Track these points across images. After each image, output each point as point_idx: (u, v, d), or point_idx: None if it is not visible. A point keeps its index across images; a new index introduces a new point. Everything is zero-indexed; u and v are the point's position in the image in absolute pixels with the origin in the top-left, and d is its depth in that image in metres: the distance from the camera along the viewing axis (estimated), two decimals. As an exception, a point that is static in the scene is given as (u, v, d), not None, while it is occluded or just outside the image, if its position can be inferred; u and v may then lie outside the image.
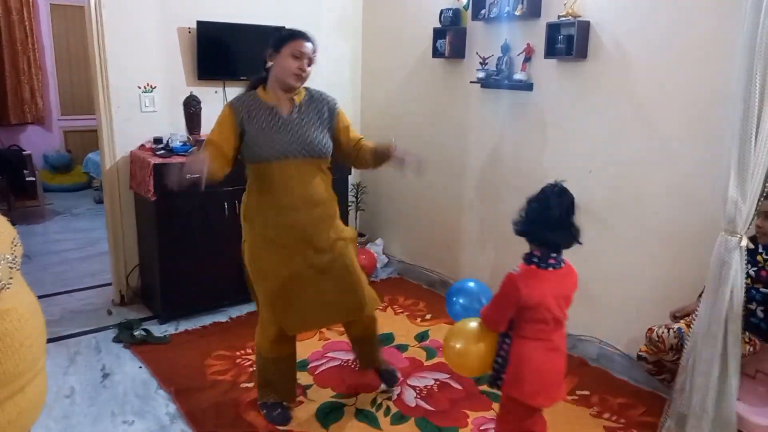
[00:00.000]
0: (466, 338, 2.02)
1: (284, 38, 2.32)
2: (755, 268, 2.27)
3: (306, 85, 2.43)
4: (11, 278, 0.97)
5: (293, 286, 2.35)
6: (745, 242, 2.04)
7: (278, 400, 2.56)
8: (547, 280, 1.86)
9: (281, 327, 2.41)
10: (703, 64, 2.54)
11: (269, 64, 2.34)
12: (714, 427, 2.15)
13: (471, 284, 2.40)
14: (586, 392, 2.82)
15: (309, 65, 2.33)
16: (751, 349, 2.27)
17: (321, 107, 2.44)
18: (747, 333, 2.25)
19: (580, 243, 1.86)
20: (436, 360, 3.09)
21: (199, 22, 3.58)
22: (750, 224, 2.05)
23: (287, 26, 3.83)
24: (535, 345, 1.88)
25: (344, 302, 2.46)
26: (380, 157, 2.48)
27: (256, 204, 2.38)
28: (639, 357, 2.55)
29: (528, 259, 1.89)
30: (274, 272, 2.35)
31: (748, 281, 2.21)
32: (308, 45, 2.32)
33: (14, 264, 0.98)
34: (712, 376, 2.12)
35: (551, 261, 1.86)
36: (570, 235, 1.85)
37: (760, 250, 2.26)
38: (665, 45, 2.67)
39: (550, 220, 1.83)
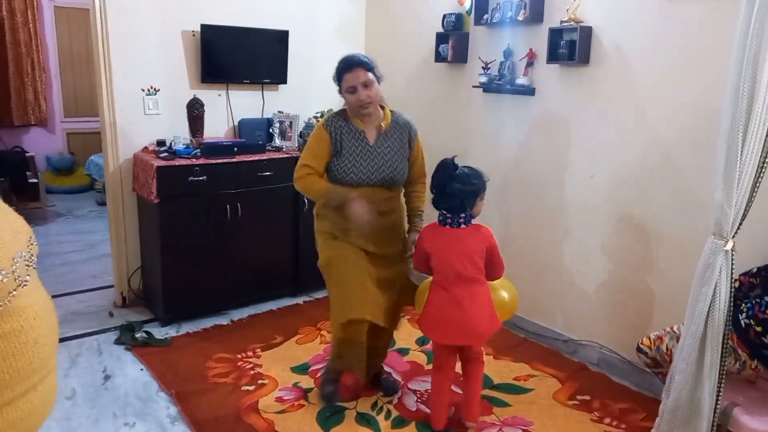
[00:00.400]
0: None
1: (337, 76, 2.44)
2: None
3: (391, 108, 2.59)
4: (28, 275, 0.98)
5: (354, 273, 2.46)
6: (730, 246, 2.05)
7: (345, 368, 2.66)
8: (444, 235, 2.36)
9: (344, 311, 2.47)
10: (704, 70, 2.55)
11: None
12: (687, 421, 2.19)
13: None
14: (587, 397, 2.82)
15: (367, 88, 2.39)
16: (753, 374, 2.25)
17: (403, 136, 2.56)
18: (756, 361, 2.21)
19: (466, 210, 2.35)
20: (437, 364, 3.09)
21: (203, 26, 3.59)
22: (738, 229, 2.06)
23: (291, 30, 3.91)
24: (436, 290, 2.39)
25: (389, 309, 2.55)
26: (408, 219, 2.69)
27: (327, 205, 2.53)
28: (639, 349, 2.52)
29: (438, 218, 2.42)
30: (337, 261, 2.49)
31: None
32: (357, 74, 2.37)
33: (31, 262, 1.00)
34: (688, 373, 2.16)
35: (448, 220, 2.36)
36: (450, 201, 2.33)
37: None
38: (667, 51, 2.68)
39: (434, 187, 2.38)
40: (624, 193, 2.93)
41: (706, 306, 2.11)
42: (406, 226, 2.72)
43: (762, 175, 1.97)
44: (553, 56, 3.04)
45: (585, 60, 2.96)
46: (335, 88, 2.47)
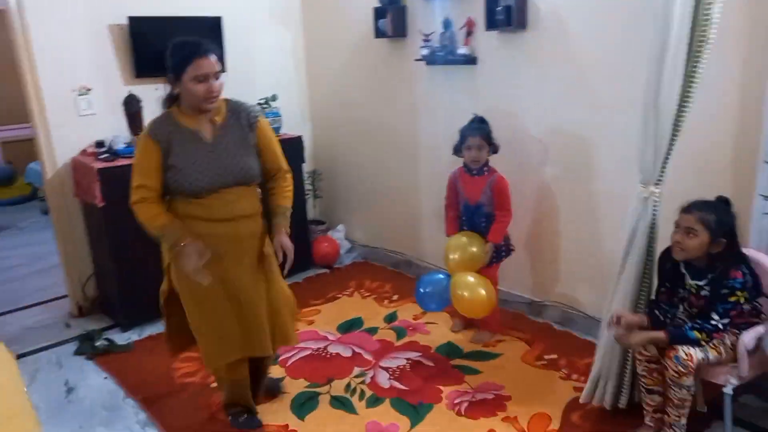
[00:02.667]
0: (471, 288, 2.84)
1: (181, 63, 2.06)
2: (684, 290, 2.17)
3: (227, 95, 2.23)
4: None
5: (222, 307, 2.24)
6: (647, 193, 2.15)
7: (240, 402, 2.48)
8: (469, 181, 2.92)
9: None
10: (638, 30, 2.57)
11: (175, 90, 2.14)
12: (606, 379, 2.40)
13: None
14: (554, 356, 2.89)
15: (218, 79, 2.10)
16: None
17: (242, 124, 2.22)
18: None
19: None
20: (406, 339, 3.12)
21: (131, 18, 3.44)
22: (659, 178, 2.13)
23: (224, 17, 3.78)
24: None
25: (276, 327, 2.37)
26: (271, 219, 2.34)
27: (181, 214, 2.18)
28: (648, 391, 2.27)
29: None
30: (198, 293, 2.21)
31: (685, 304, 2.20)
32: (209, 61, 2.06)
33: None
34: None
35: (473, 170, 2.90)
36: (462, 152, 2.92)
37: (683, 270, 2.16)
38: (603, 12, 2.71)
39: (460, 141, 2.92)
40: (570, 155, 2.98)
41: (625, 251, 2.24)
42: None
43: (680, 122, 2.05)
44: (491, 24, 3.04)
45: (522, 25, 2.97)
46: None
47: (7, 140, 6.56)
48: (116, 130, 3.44)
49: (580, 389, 2.58)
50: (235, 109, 2.24)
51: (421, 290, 3.01)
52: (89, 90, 3.41)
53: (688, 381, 2.02)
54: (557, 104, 2.97)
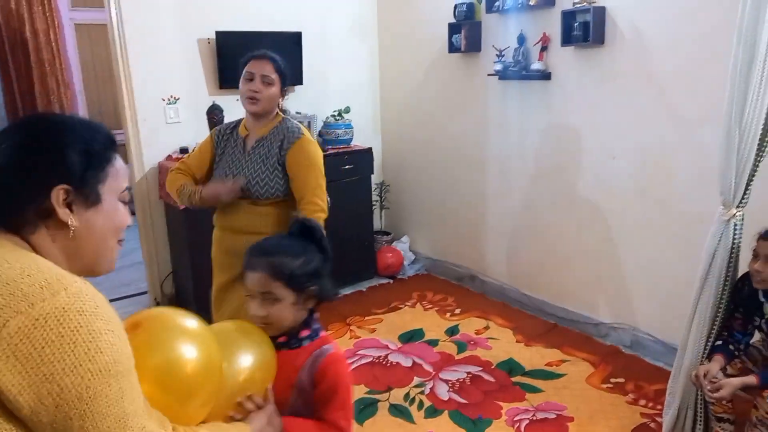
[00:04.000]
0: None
1: (244, 62, 2.19)
2: (761, 319, 2.07)
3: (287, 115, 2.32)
4: None
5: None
6: (730, 215, 2.04)
7: None
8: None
9: None
10: (720, 44, 2.49)
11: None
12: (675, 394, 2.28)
13: None
14: (621, 380, 2.80)
15: (265, 85, 2.15)
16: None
17: (274, 143, 2.22)
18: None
19: None
20: (467, 353, 3.11)
21: (218, 32, 3.65)
22: (742, 199, 2.03)
23: (304, 32, 3.95)
24: None
25: None
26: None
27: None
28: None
29: None
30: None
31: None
32: (263, 65, 2.14)
33: None
34: (683, 341, 2.23)
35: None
36: None
37: (761, 298, 2.05)
38: (682, 27, 2.64)
39: None
40: (647, 173, 2.90)
41: (703, 276, 2.13)
42: None
43: (767, 141, 1.96)
44: (567, 39, 3.02)
45: (600, 41, 2.93)
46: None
47: (100, 145, 7.03)
48: (199, 138, 3.62)
49: (648, 415, 2.50)
50: (281, 127, 2.24)
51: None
52: (177, 99, 3.64)
53: None
54: (633, 121, 2.90)
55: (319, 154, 2.26)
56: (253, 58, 2.18)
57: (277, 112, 2.29)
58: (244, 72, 2.18)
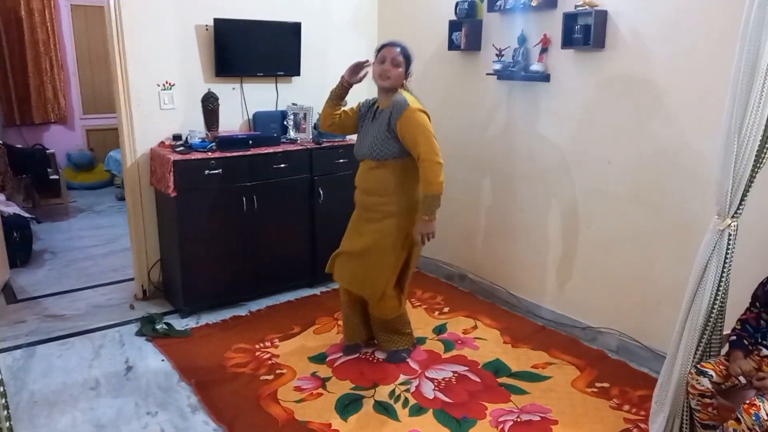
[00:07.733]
0: None
1: (379, 48, 2.74)
2: None
3: (394, 90, 2.71)
4: None
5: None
6: (724, 225, 2.03)
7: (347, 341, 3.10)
8: None
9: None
10: (720, 51, 2.50)
11: None
12: (662, 403, 2.27)
13: None
14: (606, 384, 2.81)
15: (394, 66, 2.66)
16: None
17: (385, 114, 2.68)
18: None
19: None
20: (454, 352, 3.10)
21: (216, 20, 3.61)
22: (737, 210, 2.02)
23: (303, 22, 3.92)
24: None
25: (357, 277, 2.88)
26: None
27: None
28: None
29: None
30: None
31: None
32: (393, 51, 2.67)
33: None
34: (670, 353, 2.24)
35: None
36: None
37: None
38: (684, 35, 2.63)
39: None
40: (641, 179, 2.90)
41: (694, 285, 2.13)
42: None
43: (765, 153, 1.95)
44: (567, 41, 3.00)
45: (600, 44, 2.92)
46: None
47: (92, 128, 6.98)
48: (193, 125, 3.61)
49: (631, 421, 2.50)
50: (394, 101, 2.68)
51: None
52: (172, 85, 3.60)
53: None
54: (631, 126, 2.90)
55: (425, 118, 2.68)
56: (385, 46, 2.72)
57: (398, 90, 2.71)
58: (377, 56, 2.72)
